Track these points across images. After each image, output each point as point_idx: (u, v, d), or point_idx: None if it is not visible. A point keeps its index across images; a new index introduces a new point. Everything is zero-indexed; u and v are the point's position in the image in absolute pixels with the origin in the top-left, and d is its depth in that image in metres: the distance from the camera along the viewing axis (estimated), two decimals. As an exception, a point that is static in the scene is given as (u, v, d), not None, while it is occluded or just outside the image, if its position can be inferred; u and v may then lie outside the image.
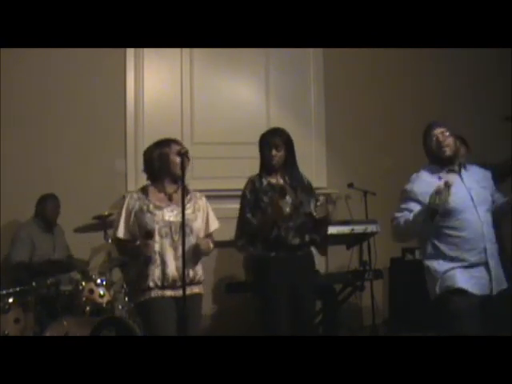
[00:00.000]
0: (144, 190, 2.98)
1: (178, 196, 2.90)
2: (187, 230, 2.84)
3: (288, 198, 3.31)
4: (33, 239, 4.49)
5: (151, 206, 2.89)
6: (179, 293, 2.79)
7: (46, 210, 4.58)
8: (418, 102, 5.68)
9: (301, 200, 3.36)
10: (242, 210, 3.38)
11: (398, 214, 2.89)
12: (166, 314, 2.84)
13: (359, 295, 5.07)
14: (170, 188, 2.97)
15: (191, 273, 2.91)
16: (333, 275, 4.79)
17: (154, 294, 2.85)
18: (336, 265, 4.96)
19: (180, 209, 2.79)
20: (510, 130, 4.11)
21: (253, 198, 3.34)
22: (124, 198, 3.05)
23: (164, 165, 2.93)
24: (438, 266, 2.83)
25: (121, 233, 2.91)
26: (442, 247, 2.83)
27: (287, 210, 3.28)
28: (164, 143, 2.98)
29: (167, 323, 2.82)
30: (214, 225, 3.07)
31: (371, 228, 4.58)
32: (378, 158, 5.53)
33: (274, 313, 3.26)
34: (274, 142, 3.37)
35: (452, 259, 2.80)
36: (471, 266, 2.78)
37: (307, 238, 3.36)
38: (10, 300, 3.74)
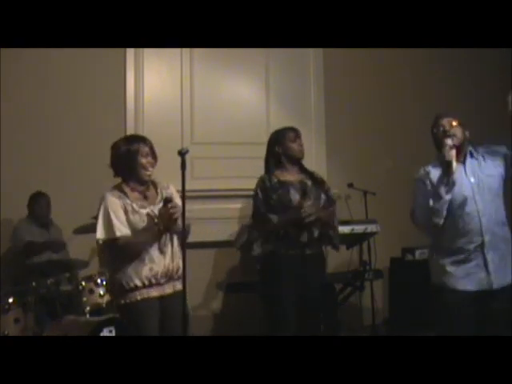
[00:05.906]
0: (120, 189, 2.91)
1: (150, 193, 2.93)
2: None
3: (296, 194, 3.28)
4: (31, 235, 4.52)
5: (135, 206, 2.85)
6: (164, 291, 2.83)
7: (37, 208, 4.62)
8: (418, 101, 5.68)
9: (311, 195, 3.33)
10: (257, 209, 3.34)
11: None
12: (150, 318, 2.80)
13: (359, 295, 5.08)
14: (140, 186, 2.93)
15: (175, 267, 2.87)
16: (333, 275, 4.79)
17: (140, 295, 2.81)
18: (336, 265, 4.96)
19: (159, 206, 2.85)
20: (509, 130, 4.10)
21: (263, 196, 3.31)
22: (104, 197, 2.90)
23: (133, 163, 2.89)
24: (438, 258, 2.85)
25: (121, 230, 2.79)
26: (443, 240, 2.83)
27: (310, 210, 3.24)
28: (133, 141, 2.94)
29: (151, 328, 2.80)
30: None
31: (371, 228, 4.59)
32: (378, 158, 5.53)
33: (282, 312, 3.23)
34: (299, 134, 3.38)
35: (451, 253, 2.80)
36: (468, 260, 2.77)
37: (316, 234, 3.31)
38: (10, 300, 3.74)
